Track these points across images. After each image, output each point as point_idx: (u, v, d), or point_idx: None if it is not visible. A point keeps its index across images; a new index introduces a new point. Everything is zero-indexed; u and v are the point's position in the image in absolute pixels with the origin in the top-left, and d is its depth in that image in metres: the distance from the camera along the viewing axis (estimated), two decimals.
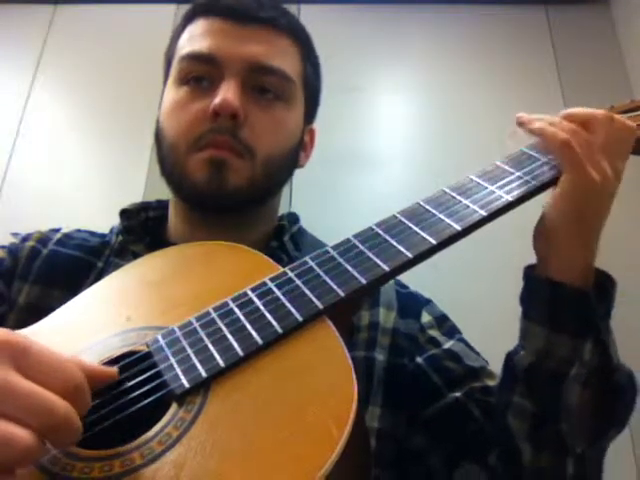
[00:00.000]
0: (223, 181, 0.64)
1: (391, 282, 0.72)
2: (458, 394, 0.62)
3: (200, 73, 0.67)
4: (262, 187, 0.68)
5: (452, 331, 0.69)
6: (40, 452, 0.34)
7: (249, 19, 0.68)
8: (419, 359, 0.65)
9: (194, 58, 0.68)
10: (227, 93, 0.64)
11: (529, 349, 0.55)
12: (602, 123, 0.55)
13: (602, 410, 0.53)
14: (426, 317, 0.69)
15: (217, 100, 0.64)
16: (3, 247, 0.70)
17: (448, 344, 0.66)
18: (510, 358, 0.57)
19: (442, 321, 0.70)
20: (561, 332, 0.53)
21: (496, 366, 0.67)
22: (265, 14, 0.69)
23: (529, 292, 0.56)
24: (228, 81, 0.65)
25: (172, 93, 0.69)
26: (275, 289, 0.48)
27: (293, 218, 0.77)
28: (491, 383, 0.63)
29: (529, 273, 0.57)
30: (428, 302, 0.72)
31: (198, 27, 0.70)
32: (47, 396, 0.35)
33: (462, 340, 0.68)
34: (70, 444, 0.37)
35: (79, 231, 0.74)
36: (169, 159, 0.67)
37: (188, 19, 0.72)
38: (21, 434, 0.33)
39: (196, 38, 0.69)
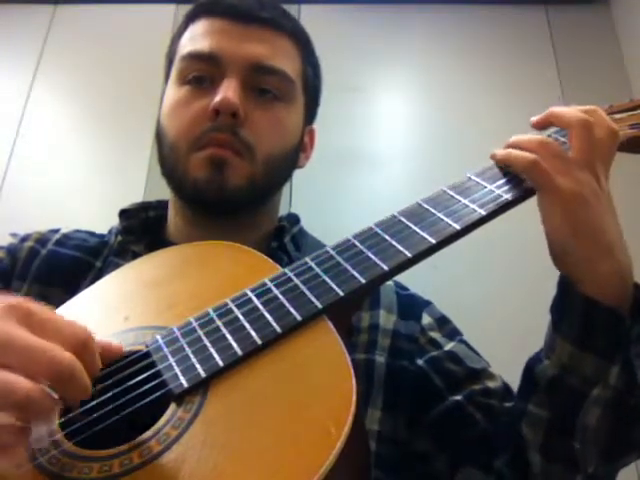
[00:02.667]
0: (223, 180, 0.64)
1: (391, 284, 0.71)
2: (459, 397, 0.62)
3: (201, 72, 0.67)
4: (262, 186, 0.68)
5: (453, 333, 0.69)
6: (47, 401, 0.35)
7: (251, 19, 0.69)
8: (420, 361, 0.65)
9: (195, 57, 0.68)
10: (227, 91, 0.64)
11: (553, 361, 0.53)
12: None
13: (619, 433, 0.52)
14: (427, 319, 0.69)
15: (217, 98, 0.64)
16: (2, 248, 0.70)
17: (449, 346, 0.66)
18: (532, 364, 0.55)
19: (443, 323, 0.70)
20: (588, 351, 0.51)
21: (496, 367, 0.67)
22: (267, 14, 0.69)
23: (561, 304, 0.54)
24: (229, 80, 0.65)
25: (173, 92, 0.69)
26: (274, 289, 0.48)
27: (294, 219, 0.77)
28: (492, 385, 0.63)
29: (564, 282, 0.54)
30: (428, 304, 0.72)
31: (200, 27, 0.70)
32: (51, 347, 0.36)
33: (463, 341, 0.68)
34: (79, 399, 0.38)
35: (78, 231, 0.74)
36: (170, 159, 0.67)
37: (190, 19, 0.73)
38: (21, 380, 0.34)
39: (197, 37, 0.69)
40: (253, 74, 0.67)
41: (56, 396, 0.36)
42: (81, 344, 0.38)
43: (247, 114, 0.65)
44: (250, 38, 0.68)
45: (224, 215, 0.68)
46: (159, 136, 0.70)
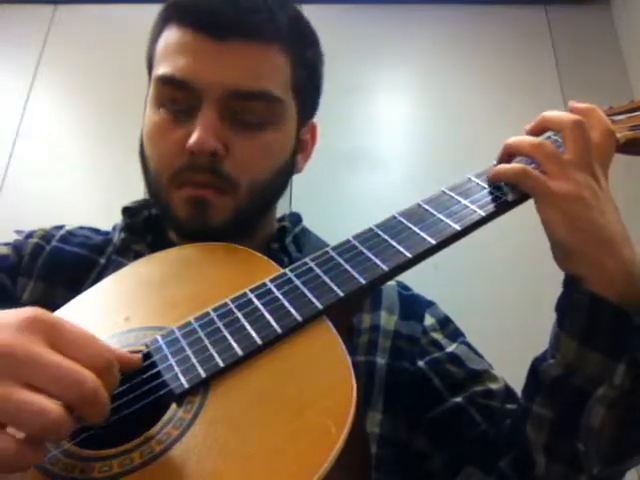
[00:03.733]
0: (206, 219, 0.61)
1: (393, 284, 0.71)
2: (459, 399, 0.61)
3: (176, 101, 0.62)
4: (248, 215, 0.65)
5: (455, 334, 0.68)
6: (69, 425, 0.35)
7: (228, 33, 0.61)
8: (421, 362, 0.64)
9: (168, 83, 0.62)
10: (203, 131, 0.59)
11: (558, 360, 0.52)
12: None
13: (625, 434, 0.51)
14: (429, 320, 0.68)
15: (193, 139, 0.59)
16: (7, 244, 0.70)
17: (451, 347, 0.66)
18: (537, 364, 0.55)
19: (445, 324, 0.69)
20: (593, 349, 0.50)
21: (498, 368, 0.67)
22: (245, 24, 0.61)
23: (567, 301, 0.53)
24: (205, 112, 0.60)
25: (151, 113, 0.65)
26: (275, 289, 0.48)
27: (295, 219, 0.76)
28: (494, 386, 0.63)
29: (569, 280, 0.53)
30: (431, 304, 0.71)
31: (172, 36, 0.63)
32: (76, 368, 0.36)
33: (465, 343, 0.68)
34: (98, 420, 0.38)
35: (82, 228, 0.74)
36: (153, 187, 0.66)
37: (163, 21, 0.66)
38: (52, 406, 0.34)
39: (170, 54, 0.63)
40: (233, 101, 0.60)
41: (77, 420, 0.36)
42: (106, 365, 0.38)
43: (228, 146, 0.60)
44: (227, 58, 0.60)
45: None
46: (142, 157, 0.67)
